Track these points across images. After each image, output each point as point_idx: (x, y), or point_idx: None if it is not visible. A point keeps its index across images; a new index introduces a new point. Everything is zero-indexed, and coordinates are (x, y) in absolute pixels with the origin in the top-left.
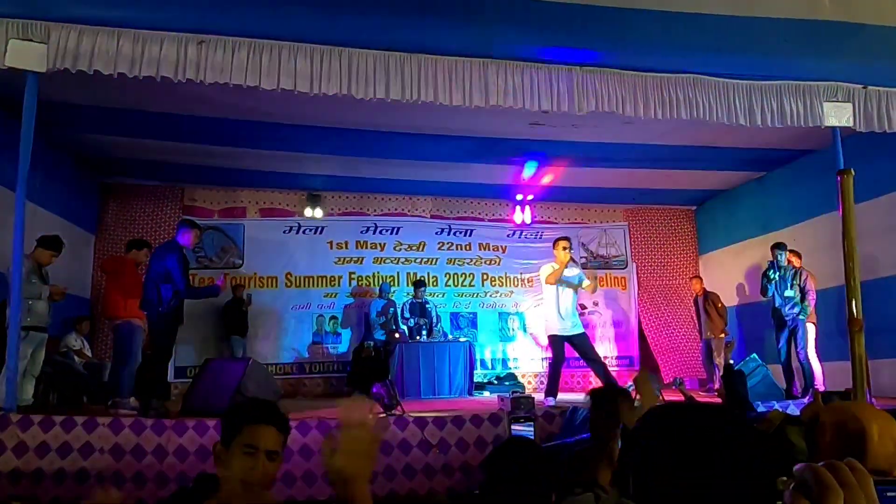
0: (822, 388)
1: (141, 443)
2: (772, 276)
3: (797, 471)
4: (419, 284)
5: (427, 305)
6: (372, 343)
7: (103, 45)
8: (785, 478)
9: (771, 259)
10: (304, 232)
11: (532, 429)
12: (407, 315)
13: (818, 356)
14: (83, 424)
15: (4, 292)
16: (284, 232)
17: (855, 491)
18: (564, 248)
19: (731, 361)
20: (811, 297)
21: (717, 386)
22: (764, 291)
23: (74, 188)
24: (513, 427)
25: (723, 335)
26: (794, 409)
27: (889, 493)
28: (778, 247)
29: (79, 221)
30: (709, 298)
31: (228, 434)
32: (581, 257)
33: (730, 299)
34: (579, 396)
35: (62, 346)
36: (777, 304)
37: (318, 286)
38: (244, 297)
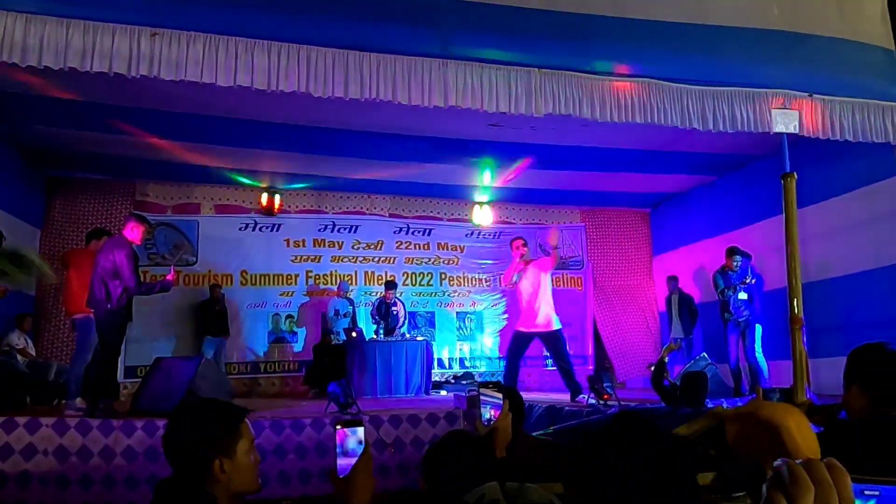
0: (767, 386)
1: (87, 444)
2: (724, 279)
3: (775, 467)
4: (390, 285)
5: (393, 308)
6: (336, 334)
7: (52, 37)
8: (710, 474)
9: (725, 261)
10: (259, 229)
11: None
12: (375, 315)
13: (763, 355)
14: (25, 425)
15: None
16: (240, 229)
17: (826, 487)
18: (516, 248)
19: (666, 360)
20: (760, 298)
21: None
22: (722, 293)
23: (20, 182)
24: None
25: (690, 336)
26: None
27: (867, 492)
28: (735, 251)
29: (24, 216)
30: (682, 299)
31: (229, 439)
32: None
33: None
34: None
35: (4, 344)
36: (731, 306)
37: (274, 284)
38: (220, 296)
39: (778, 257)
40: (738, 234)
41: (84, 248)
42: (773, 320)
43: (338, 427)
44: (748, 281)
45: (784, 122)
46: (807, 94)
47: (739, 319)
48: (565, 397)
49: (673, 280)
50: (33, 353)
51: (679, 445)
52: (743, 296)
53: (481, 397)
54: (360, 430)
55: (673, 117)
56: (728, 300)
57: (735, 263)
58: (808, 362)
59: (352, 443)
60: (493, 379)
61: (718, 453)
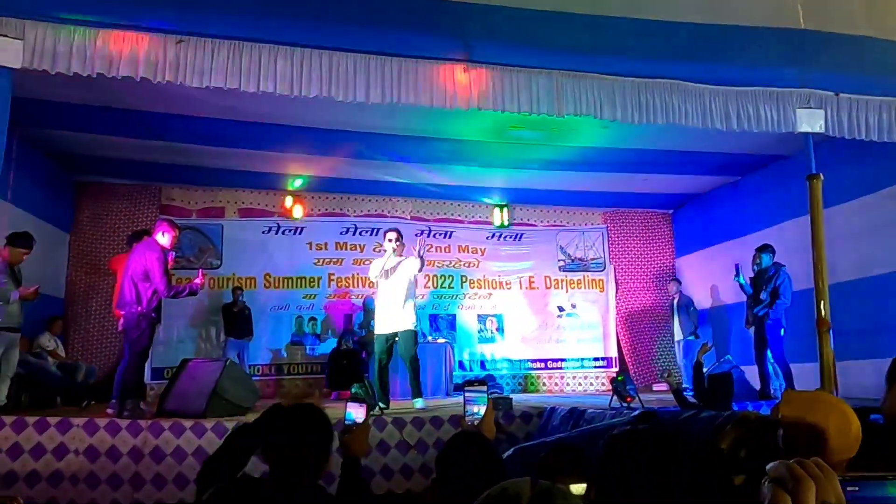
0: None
1: (116, 444)
2: (749, 279)
3: (771, 468)
4: None
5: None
6: (350, 340)
7: (81, 45)
8: (742, 476)
9: (754, 261)
10: (283, 233)
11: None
12: None
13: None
14: (57, 425)
15: None
16: (263, 232)
17: (823, 483)
18: (389, 241)
19: (702, 361)
20: (782, 301)
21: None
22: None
23: (49, 186)
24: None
25: (692, 337)
26: (766, 410)
27: (849, 488)
28: (764, 249)
29: (53, 220)
30: (682, 301)
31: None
32: (559, 260)
33: (704, 302)
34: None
35: (35, 346)
36: (755, 307)
37: (297, 287)
38: (239, 300)
39: (800, 259)
40: (762, 235)
41: (127, 252)
42: (795, 322)
43: (348, 402)
44: (774, 283)
45: (809, 121)
46: (832, 93)
47: (762, 320)
48: (588, 399)
49: (676, 282)
50: (63, 354)
51: (718, 455)
52: (765, 296)
53: (466, 395)
54: (363, 409)
55: (695, 118)
56: (751, 300)
57: (764, 261)
58: (835, 365)
59: (357, 414)
60: (511, 382)
61: (748, 455)
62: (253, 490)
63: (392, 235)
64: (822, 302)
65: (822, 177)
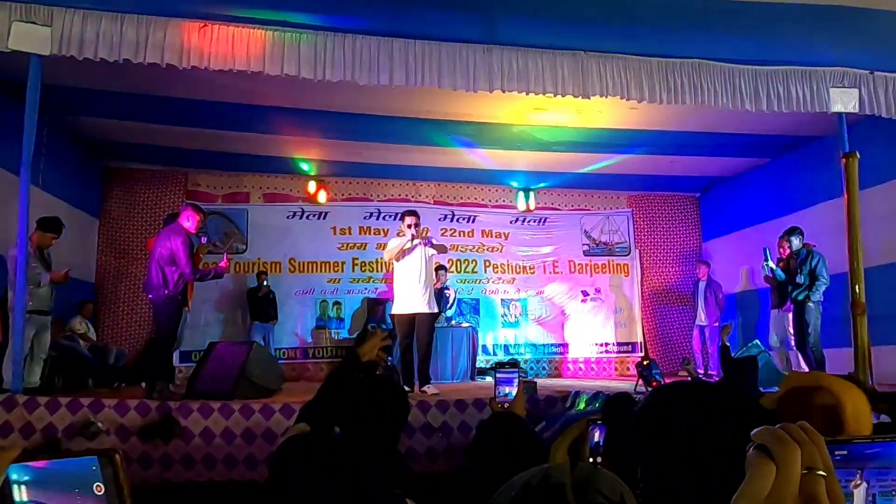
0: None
1: (147, 424)
2: (777, 264)
3: (756, 433)
4: (440, 270)
5: (445, 291)
6: (375, 324)
7: (107, 31)
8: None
9: (779, 245)
10: (307, 217)
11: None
12: None
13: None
14: (89, 406)
15: (6, 277)
16: (288, 217)
17: (809, 448)
18: (408, 225)
19: (728, 344)
20: (822, 281)
21: (708, 371)
22: (773, 277)
23: (78, 172)
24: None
25: (716, 324)
26: None
27: (838, 452)
28: (792, 232)
29: (83, 206)
30: (711, 286)
31: None
32: (584, 244)
33: (732, 286)
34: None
35: (67, 329)
36: (788, 290)
37: (321, 271)
38: (263, 284)
39: (833, 242)
40: (794, 218)
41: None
42: (828, 306)
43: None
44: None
45: (843, 100)
46: (867, 71)
47: (797, 303)
48: (613, 384)
49: (705, 264)
50: (94, 338)
51: (766, 414)
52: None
53: (498, 376)
54: None
55: (724, 98)
56: (783, 284)
57: (794, 244)
58: (870, 350)
59: None
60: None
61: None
62: (318, 444)
63: (411, 220)
64: (857, 284)
65: (858, 155)
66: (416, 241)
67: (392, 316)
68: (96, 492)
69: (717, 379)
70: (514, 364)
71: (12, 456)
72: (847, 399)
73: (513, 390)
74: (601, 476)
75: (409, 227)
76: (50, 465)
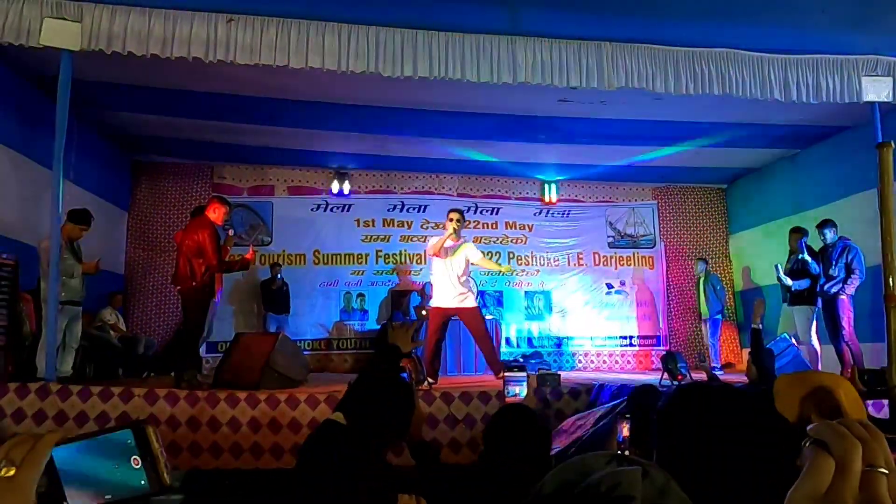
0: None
1: (175, 413)
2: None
3: (812, 429)
4: None
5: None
6: (396, 321)
7: (135, 26)
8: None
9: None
10: (331, 210)
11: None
12: None
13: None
14: (120, 395)
15: (37, 268)
16: (312, 210)
17: (870, 444)
18: (451, 220)
19: (760, 326)
20: (857, 276)
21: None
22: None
23: (108, 166)
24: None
25: (718, 316)
26: None
27: None
28: (825, 224)
29: (113, 199)
30: (709, 280)
31: None
32: (608, 236)
33: (762, 279)
34: (606, 376)
35: (97, 320)
36: (826, 284)
37: (345, 263)
38: (277, 277)
39: (865, 235)
40: (824, 211)
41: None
42: (860, 300)
43: None
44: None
45: (875, 90)
46: None
47: (830, 297)
48: (637, 377)
49: (702, 261)
50: (124, 328)
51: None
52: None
53: (507, 376)
54: None
55: (752, 88)
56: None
57: (827, 237)
58: None
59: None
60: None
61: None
62: (334, 436)
63: (454, 216)
64: (892, 276)
65: (893, 145)
66: (459, 241)
67: (427, 309)
68: (133, 465)
69: (739, 385)
70: (521, 368)
71: (55, 438)
72: (838, 387)
73: (522, 390)
74: (671, 493)
75: (451, 221)
76: (89, 443)
